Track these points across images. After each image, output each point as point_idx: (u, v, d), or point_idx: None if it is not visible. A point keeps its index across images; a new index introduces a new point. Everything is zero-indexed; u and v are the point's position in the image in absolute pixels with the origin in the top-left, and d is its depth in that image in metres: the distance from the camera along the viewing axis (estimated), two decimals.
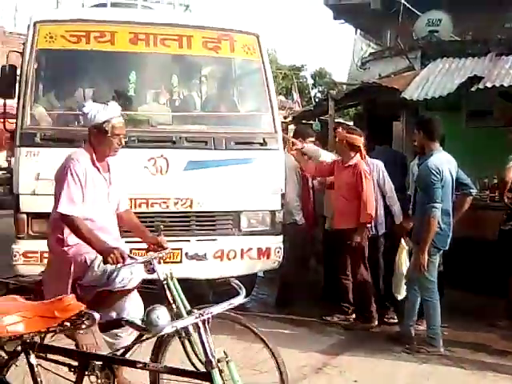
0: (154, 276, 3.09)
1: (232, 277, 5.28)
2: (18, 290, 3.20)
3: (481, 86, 6.98)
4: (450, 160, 5.24)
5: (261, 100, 6.07)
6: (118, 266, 3.29)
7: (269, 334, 5.20)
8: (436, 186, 5.02)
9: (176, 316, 2.45)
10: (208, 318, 2.16)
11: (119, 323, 2.04)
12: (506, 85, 6.94)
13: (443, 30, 9.81)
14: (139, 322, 2.01)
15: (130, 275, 3.48)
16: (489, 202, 6.51)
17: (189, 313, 2.50)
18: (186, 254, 5.49)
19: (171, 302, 2.66)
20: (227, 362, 2.17)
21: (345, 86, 10.63)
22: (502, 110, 7.86)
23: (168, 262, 5.18)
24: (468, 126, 7.82)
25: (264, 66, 5.98)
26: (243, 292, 2.33)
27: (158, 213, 5.44)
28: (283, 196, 5.86)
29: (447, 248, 5.28)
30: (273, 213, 5.77)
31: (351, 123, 11.51)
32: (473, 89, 7.03)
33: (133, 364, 2.22)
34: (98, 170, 3.77)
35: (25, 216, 5.20)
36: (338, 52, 73.14)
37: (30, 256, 5.19)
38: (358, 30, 14.06)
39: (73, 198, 3.61)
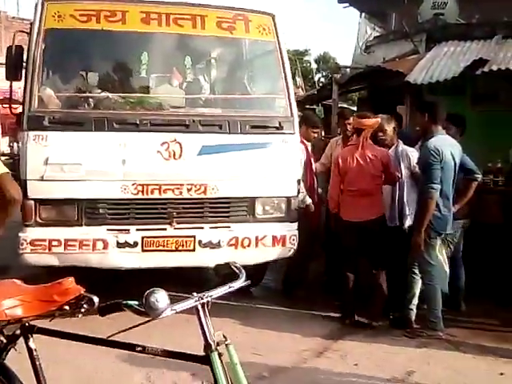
0: None
1: (247, 265, 5.22)
2: None
3: (486, 69, 6.91)
4: (454, 144, 5.21)
5: (276, 82, 5.92)
6: None
7: (272, 319, 5.40)
8: (434, 166, 4.99)
9: None
10: (207, 302, 2.15)
11: (118, 307, 2.03)
12: (511, 68, 6.87)
13: (449, 13, 9.67)
14: (138, 306, 2.00)
15: None
16: (492, 186, 6.47)
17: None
18: (200, 241, 5.35)
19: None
20: (226, 345, 2.16)
21: (348, 70, 10.54)
22: (509, 94, 7.81)
23: (181, 250, 5.31)
24: (473, 109, 7.75)
25: (280, 47, 5.82)
26: (243, 275, 2.32)
27: (171, 199, 5.30)
28: (299, 182, 5.72)
29: (448, 232, 5.26)
30: (288, 199, 5.61)
31: (355, 108, 11.46)
32: (478, 72, 6.97)
33: (132, 347, 2.22)
34: None
35: (32, 202, 5.04)
36: (343, 36, 72.52)
37: (37, 244, 5.08)
38: (363, 14, 13.90)
39: None
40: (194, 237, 5.34)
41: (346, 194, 5.55)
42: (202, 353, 2.16)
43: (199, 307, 2.14)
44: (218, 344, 2.15)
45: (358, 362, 4.62)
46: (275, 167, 5.52)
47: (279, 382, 4.27)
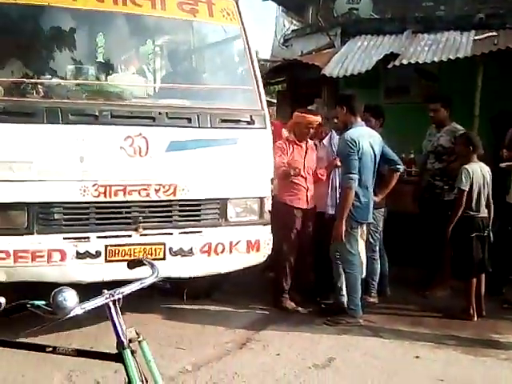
0: None
1: (220, 273, 5.06)
2: None
3: (397, 62, 7.16)
4: (372, 134, 5.36)
5: (243, 72, 5.47)
6: None
7: (196, 315, 5.37)
8: (352, 156, 5.12)
9: None
10: (119, 299, 2.12)
11: (24, 307, 1.96)
12: (421, 61, 7.15)
13: (363, 8, 9.94)
14: (45, 306, 1.94)
15: None
16: (405, 176, 6.70)
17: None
18: (170, 249, 4.79)
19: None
20: (139, 342, 2.14)
21: (268, 64, 10.62)
22: (419, 87, 8.11)
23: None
24: (385, 102, 8.00)
25: (245, 33, 5.33)
26: (156, 271, 2.29)
27: (137, 201, 4.69)
28: (272, 181, 5.32)
29: (368, 221, 5.42)
30: (261, 200, 5.16)
31: (274, 101, 11.58)
32: (389, 66, 7.20)
33: (42, 348, 2.15)
34: None
35: None
36: (261, 29, 72.79)
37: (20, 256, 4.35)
38: (281, 7, 14.06)
39: None
40: (164, 244, 4.78)
41: None
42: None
43: (110, 304, 2.10)
44: (130, 341, 2.12)
45: (279, 352, 4.68)
46: (247, 165, 5.07)
47: (202, 375, 4.25)
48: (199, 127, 4.89)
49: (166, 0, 5.09)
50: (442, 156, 6.12)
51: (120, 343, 2.10)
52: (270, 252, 5.23)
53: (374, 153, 5.27)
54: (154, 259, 4.60)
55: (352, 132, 5.22)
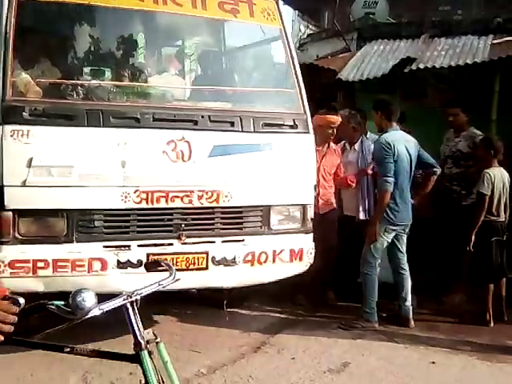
0: None
1: (263, 283, 4.90)
2: None
3: (413, 67, 7.15)
4: (408, 139, 5.43)
5: (284, 74, 5.22)
6: None
7: (212, 317, 5.38)
8: (387, 160, 5.19)
9: None
10: (136, 300, 2.13)
11: (43, 308, 1.97)
12: (437, 66, 7.12)
13: (379, 13, 9.93)
14: (64, 306, 1.95)
15: None
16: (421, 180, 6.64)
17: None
18: (213, 258, 4.57)
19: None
20: (157, 344, 2.15)
21: None
22: (436, 92, 8.06)
23: (192, 269, 4.51)
24: (402, 106, 7.94)
25: (286, 35, 5.14)
26: (174, 272, 2.30)
27: (179, 208, 4.49)
28: (315, 188, 5.14)
29: (406, 223, 5.41)
30: (304, 207, 4.97)
31: None
32: (406, 70, 7.18)
33: (59, 348, 2.17)
34: None
35: (10, 214, 4.06)
36: None
37: (18, 266, 4.06)
38: (297, 12, 14.08)
39: None
40: (207, 253, 4.56)
41: None
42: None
43: (128, 305, 2.11)
44: (148, 342, 2.13)
45: (294, 356, 4.67)
46: (291, 171, 4.87)
47: (217, 378, 4.26)
48: (242, 131, 4.69)
49: (207, 0, 4.90)
50: (460, 161, 6.09)
51: (137, 344, 2.11)
52: (312, 261, 5.00)
53: (410, 157, 5.32)
54: (197, 269, 4.52)
55: (387, 136, 5.30)
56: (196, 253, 4.53)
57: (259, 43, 5.79)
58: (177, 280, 2.32)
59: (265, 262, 4.77)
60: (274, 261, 4.80)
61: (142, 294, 2.16)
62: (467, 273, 5.67)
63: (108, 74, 4.93)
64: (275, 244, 4.83)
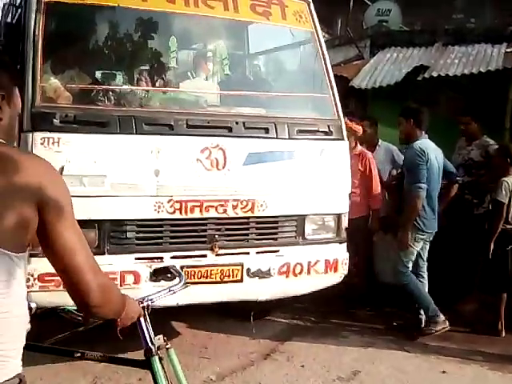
0: None
1: (297, 295, 4.81)
2: None
3: (426, 75, 7.13)
4: (436, 148, 5.43)
5: (318, 78, 5.02)
6: None
7: (221, 323, 5.38)
8: (421, 166, 5.18)
9: None
10: (147, 305, 2.14)
11: (54, 312, 1.99)
12: (451, 74, 7.10)
13: (392, 20, 9.96)
14: (76, 311, 1.97)
15: None
16: None
17: None
18: (248, 270, 4.43)
19: None
20: (167, 349, 2.15)
21: None
22: (449, 100, 8.04)
23: (227, 282, 4.40)
24: None
25: (319, 38, 5.00)
26: (183, 278, 2.31)
27: (214, 218, 4.34)
28: (350, 196, 4.99)
29: (434, 231, 5.39)
30: (339, 216, 4.81)
31: None
32: (419, 78, 7.17)
33: (70, 353, 2.18)
34: None
35: None
36: None
37: (48, 280, 3.79)
38: None
39: None
40: (242, 265, 4.42)
41: None
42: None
43: None
44: (158, 348, 2.13)
45: (304, 364, 4.66)
46: (325, 179, 4.71)
47: None
48: (277, 138, 4.53)
49: (239, 2, 4.76)
50: (472, 169, 6.07)
51: (148, 350, 2.11)
52: (346, 272, 4.88)
53: (439, 165, 5.34)
54: (232, 281, 4.40)
55: (420, 143, 5.30)
56: (231, 264, 4.41)
57: (291, 46, 5.68)
58: (186, 285, 2.32)
59: (300, 273, 4.64)
60: (308, 272, 4.67)
61: (153, 300, 2.17)
62: (479, 281, 5.63)
63: (139, 78, 4.78)
64: (310, 255, 4.69)
